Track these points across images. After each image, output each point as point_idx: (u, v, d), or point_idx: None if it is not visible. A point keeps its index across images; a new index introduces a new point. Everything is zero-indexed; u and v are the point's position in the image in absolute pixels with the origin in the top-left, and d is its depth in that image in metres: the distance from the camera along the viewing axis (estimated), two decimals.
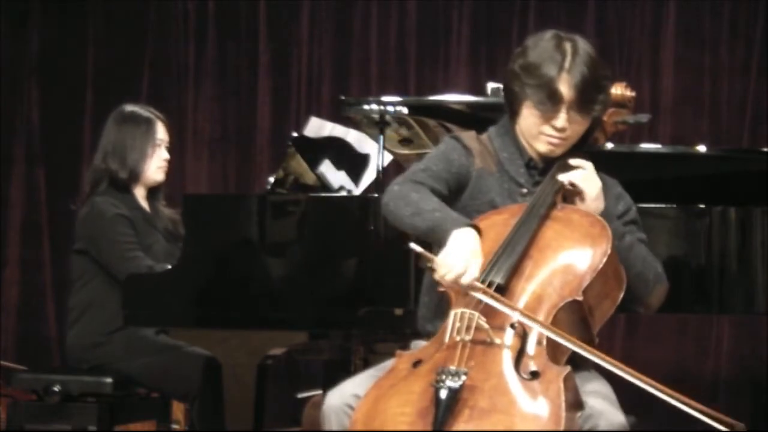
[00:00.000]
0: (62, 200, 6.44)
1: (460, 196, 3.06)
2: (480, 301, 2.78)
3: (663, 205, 3.86)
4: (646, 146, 5.24)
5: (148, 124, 4.43)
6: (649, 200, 3.81)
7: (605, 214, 2.99)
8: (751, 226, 3.82)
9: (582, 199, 2.99)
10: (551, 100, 2.96)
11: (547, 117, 2.99)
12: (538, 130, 3.02)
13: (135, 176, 4.39)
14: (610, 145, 4.30)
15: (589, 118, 3.02)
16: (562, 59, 2.97)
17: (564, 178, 2.98)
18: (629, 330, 6.06)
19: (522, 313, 2.75)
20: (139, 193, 4.45)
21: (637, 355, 6.03)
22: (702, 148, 4.37)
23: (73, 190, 6.43)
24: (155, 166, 4.42)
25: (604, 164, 3.22)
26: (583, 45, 3.01)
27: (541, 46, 3.01)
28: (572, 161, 3.04)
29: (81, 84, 6.57)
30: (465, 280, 2.77)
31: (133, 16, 6.57)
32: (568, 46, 2.99)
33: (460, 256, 2.79)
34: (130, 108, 4.49)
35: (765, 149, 5.01)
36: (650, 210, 3.82)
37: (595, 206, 2.99)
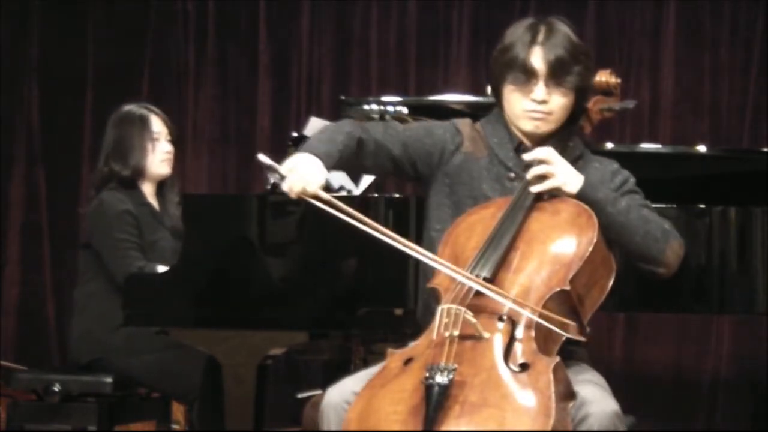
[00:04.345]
0: (64, 201, 6.46)
1: (436, 173, 3.12)
2: (467, 296, 2.79)
3: (663, 205, 3.85)
4: (646, 146, 5.25)
5: (142, 119, 4.47)
6: (649, 200, 3.80)
7: (590, 183, 2.99)
8: (751, 226, 3.81)
9: (562, 190, 3.00)
10: (525, 74, 3.03)
11: (526, 91, 3.04)
12: (521, 108, 3.07)
13: (138, 172, 4.43)
14: (609, 145, 4.31)
15: (569, 90, 3.04)
16: (534, 34, 3.06)
17: (534, 189, 2.98)
18: (629, 330, 6.05)
19: (498, 293, 2.77)
20: (147, 190, 4.48)
21: (637, 355, 6.03)
22: (702, 148, 4.37)
23: (73, 190, 6.44)
24: (158, 160, 4.46)
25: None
26: (558, 24, 3.10)
27: (515, 28, 3.12)
28: (532, 153, 3.01)
29: (81, 84, 6.57)
30: (311, 188, 2.87)
31: (133, 16, 6.57)
32: (541, 25, 3.09)
33: (302, 166, 2.88)
34: (124, 108, 4.54)
35: (765, 149, 5.02)
36: None
37: (576, 182, 2.98)
